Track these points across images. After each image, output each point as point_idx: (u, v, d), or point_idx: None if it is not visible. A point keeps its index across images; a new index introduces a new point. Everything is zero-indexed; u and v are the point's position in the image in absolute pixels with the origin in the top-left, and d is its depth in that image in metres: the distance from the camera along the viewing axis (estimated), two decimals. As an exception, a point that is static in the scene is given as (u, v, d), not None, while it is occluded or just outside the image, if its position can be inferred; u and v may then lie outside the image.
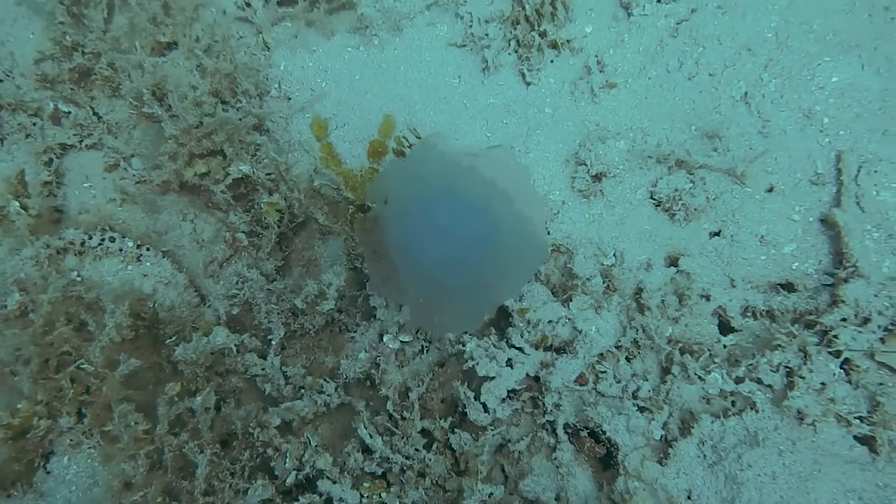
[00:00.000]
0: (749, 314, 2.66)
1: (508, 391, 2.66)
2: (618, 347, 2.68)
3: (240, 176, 3.03)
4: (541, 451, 2.67)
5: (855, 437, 2.32)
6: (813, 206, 2.65)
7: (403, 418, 2.74)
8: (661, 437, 2.53)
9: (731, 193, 2.73)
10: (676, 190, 2.77)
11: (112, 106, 3.10)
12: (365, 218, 2.59)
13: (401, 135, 2.68)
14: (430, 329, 2.85)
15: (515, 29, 3.11)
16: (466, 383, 2.69)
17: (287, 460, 2.60)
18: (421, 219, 2.33)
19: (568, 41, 3.09)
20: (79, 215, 3.09)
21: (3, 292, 2.68)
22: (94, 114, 3.08)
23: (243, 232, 3.07)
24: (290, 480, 2.62)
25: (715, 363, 2.56)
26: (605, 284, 2.78)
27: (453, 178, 2.33)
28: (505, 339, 2.74)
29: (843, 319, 2.39)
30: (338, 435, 2.88)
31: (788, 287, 2.63)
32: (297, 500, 2.54)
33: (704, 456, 2.42)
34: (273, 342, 2.88)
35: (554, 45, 3.10)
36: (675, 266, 2.76)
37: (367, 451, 2.69)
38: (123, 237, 2.98)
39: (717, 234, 2.76)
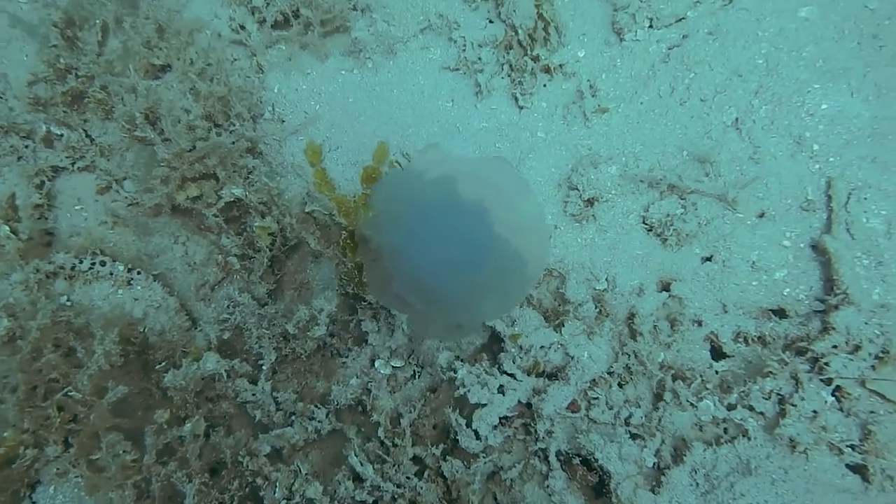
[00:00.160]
0: (741, 340, 2.66)
1: (500, 418, 2.65)
2: (610, 373, 2.67)
3: (232, 199, 3.02)
4: (533, 479, 2.65)
5: (847, 466, 2.32)
6: (804, 232, 2.66)
7: (395, 445, 2.72)
8: (654, 464, 2.51)
9: (723, 219, 2.74)
10: (668, 215, 2.78)
11: (105, 128, 3.09)
12: (363, 225, 2.57)
13: (394, 159, 2.69)
14: (427, 336, 2.83)
15: (508, 53, 3.13)
16: (458, 410, 2.68)
17: (276, 490, 2.57)
18: (417, 226, 2.34)
19: (560, 66, 3.11)
20: (70, 238, 3.07)
21: (-8, 317, 2.66)
22: (87, 136, 3.08)
23: (235, 255, 3.06)
24: (279, 509, 2.59)
25: (707, 389, 2.56)
26: (598, 309, 2.78)
27: (450, 186, 2.35)
28: (497, 365, 2.73)
29: (834, 347, 2.39)
30: (328, 462, 2.85)
31: (780, 313, 2.64)
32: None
33: (697, 484, 2.41)
34: (264, 367, 2.86)
35: (547, 70, 3.11)
36: (667, 291, 2.76)
37: (357, 479, 2.66)
38: (114, 261, 2.97)
39: (709, 259, 2.77)
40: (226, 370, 2.78)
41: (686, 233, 2.75)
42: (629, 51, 3.08)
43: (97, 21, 3.00)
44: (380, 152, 2.63)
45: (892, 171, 2.56)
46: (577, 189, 2.90)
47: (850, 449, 2.28)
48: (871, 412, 2.29)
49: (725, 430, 2.48)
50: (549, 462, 2.61)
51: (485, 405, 2.64)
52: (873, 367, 2.32)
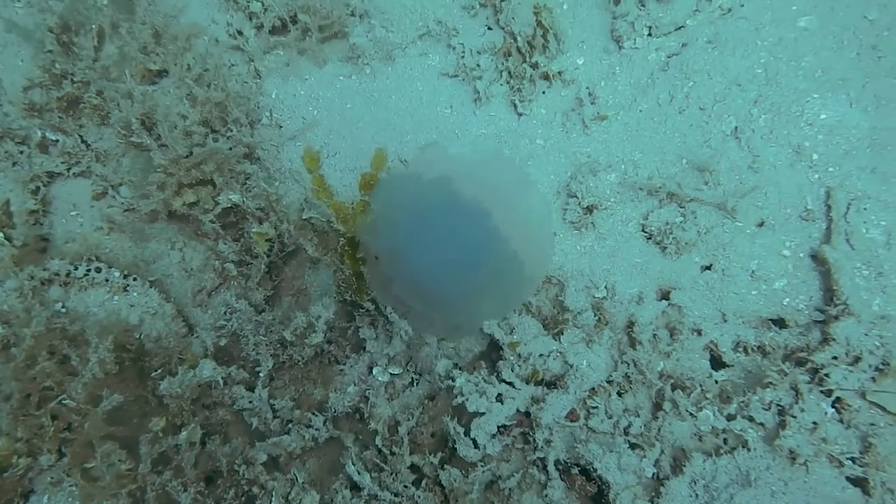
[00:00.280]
0: (740, 349, 2.66)
1: (499, 427, 2.64)
2: (609, 382, 2.66)
3: (229, 205, 3.00)
4: (531, 489, 2.64)
5: (847, 479, 2.31)
6: (803, 241, 2.65)
7: (392, 453, 2.70)
8: (653, 475, 2.50)
9: (722, 227, 2.74)
10: (667, 223, 2.77)
11: (101, 134, 3.07)
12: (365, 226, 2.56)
13: (391, 166, 2.68)
14: (429, 333, 2.82)
15: (507, 60, 3.12)
16: (456, 418, 2.66)
17: (273, 499, 2.55)
18: (415, 229, 2.33)
19: (559, 73, 3.10)
20: (65, 244, 3.05)
21: (-15, 324, 2.63)
22: (83, 142, 3.06)
23: (232, 261, 3.04)
24: (275, 519, 2.57)
25: (707, 399, 2.55)
26: (597, 318, 2.77)
27: (449, 187, 2.34)
28: (495, 374, 2.72)
29: (835, 358, 2.39)
30: (325, 470, 2.83)
31: (779, 323, 2.63)
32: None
33: (696, 495, 2.39)
34: (261, 374, 2.84)
35: (546, 77, 3.11)
36: (666, 299, 2.75)
37: (355, 487, 2.64)
38: (110, 267, 2.94)
39: (709, 268, 2.76)
40: (222, 377, 2.76)
41: (685, 241, 2.74)
42: (628, 59, 3.08)
43: (93, 26, 2.98)
44: (378, 159, 2.63)
45: (891, 182, 2.56)
46: (577, 196, 2.89)
47: (850, 461, 2.27)
48: (872, 424, 2.29)
49: (725, 440, 2.47)
50: (547, 471, 2.59)
51: (483, 414, 2.63)
52: (873, 379, 2.31)
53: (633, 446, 2.54)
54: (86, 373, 2.52)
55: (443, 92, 3.23)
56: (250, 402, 2.80)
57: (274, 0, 3.16)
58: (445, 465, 2.65)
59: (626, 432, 2.56)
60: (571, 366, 2.66)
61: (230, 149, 2.97)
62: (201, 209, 3.00)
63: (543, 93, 3.14)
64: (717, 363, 2.68)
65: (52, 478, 2.53)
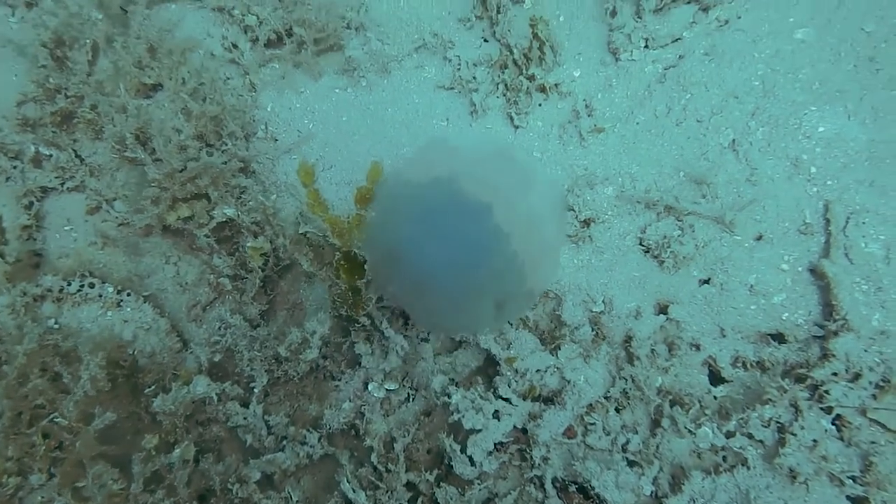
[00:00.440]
0: (739, 365, 2.63)
1: (495, 444, 2.61)
2: (607, 398, 2.63)
3: (224, 219, 2.99)
4: (529, 507, 2.61)
5: (848, 498, 2.27)
6: (802, 255, 2.63)
7: (388, 470, 2.68)
8: (652, 493, 2.47)
9: (720, 241, 2.71)
10: (665, 237, 2.75)
11: (95, 148, 3.05)
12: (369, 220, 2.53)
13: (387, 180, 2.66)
14: (433, 330, 2.79)
15: (503, 73, 3.10)
16: (452, 435, 2.63)
17: (267, 518, 2.52)
18: (416, 229, 2.31)
19: (556, 85, 3.08)
20: (58, 259, 3.03)
21: (-23, 342, 2.61)
22: (77, 156, 3.04)
23: (227, 276, 3.02)
24: (269, 539, 2.54)
25: (706, 415, 2.52)
26: (594, 332, 2.75)
27: (451, 185, 2.32)
28: (492, 389, 2.69)
29: (834, 374, 2.36)
30: (321, 487, 2.80)
31: (778, 338, 2.60)
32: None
33: (696, 514, 2.37)
34: (256, 390, 2.81)
35: (542, 89, 3.09)
36: (664, 314, 2.73)
37: (350, 506, 2.62)
38: (103, 282, 2.92)
39: (707, 282, 2.73)
40: (216, 393, 2.74)
41: (683, 255, 2.72)
42: (625, 71, 3.06)
43: (87, 41, 2.97)
44: (373, 172, 2.61)
45: (890, 196, 2.54)
46: (574, 210, 2.87)
47: (851, 480, 2.24)
48: (873, 442, 2.26)
49: (724, 458, 2.44)
50: (544, 489, 2.57)
51: (479, 431, 2.60)
52: (874, 396, 2.29)
53: (631, 464, 2.51)
54: (77, 390, 2.50)
55: (439, 104, 3.21)
56: (245, 418, 2.78)
57: (269, 13, 3.15)
58: (441, 483, 2.62)
59: (624, 449, 2.53)
60: (569, 381, 2.63)
61: (225, 163, 2.96)
62: (196, 224, 2.98)
63: (540, 105, 3.12)
64: (715, 378, 2.65)
65: (42, 497, 2.50)
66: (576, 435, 2.57)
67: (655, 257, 2.79)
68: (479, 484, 2.59)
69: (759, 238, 2.69)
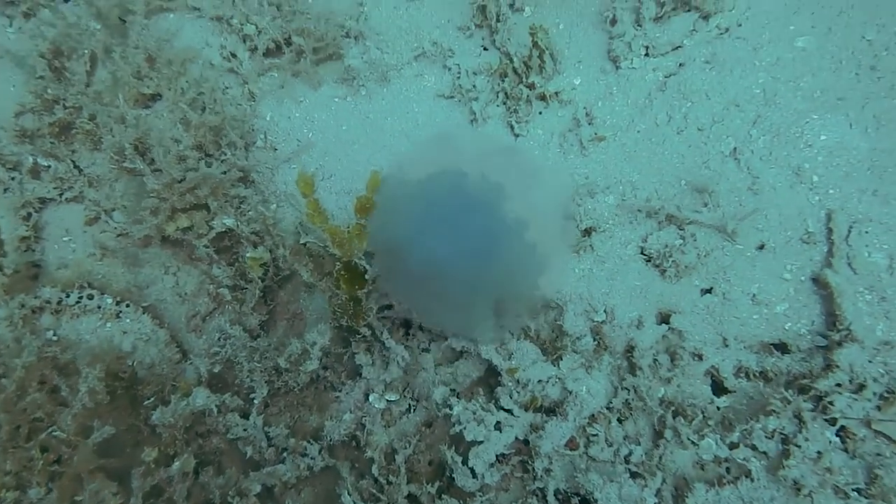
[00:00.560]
0: (742, 375, 2.61)
1: (497, 455, 2.59)
2: (609, 409, 2.62)
3: (223, 230, 2.97)
4: (531, 519, 2.59)
5: (853, 510, 2.26)
6: (804, 265, 2.61)
7: (389, 483, 2.66)
8: (655, 505, 2.45)
9: (722, 250, 2.70)
10: (667, 246, 2.74)
11: (93, 159, 3.04)
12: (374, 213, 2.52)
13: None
14: (437, 328, 2.78)
15: (503, 81, 3.10)
16: (454, 447, 2.61)
17: (267, 532, 2.50)
18: (422, 222, 2.30)
19: (556, 93, 3.07)
20: (57, 270, 3.01)
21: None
22: (75, 167, 3.03)
23: (227, 286, 3.01)
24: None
25: (709, 426, 2.50)
26: (596, 342, 2.73)
27: (458, 179, 2.33)
28: (493, 400, 2.67)
29: (838, 385, 2.34)
30: (321, 500, 2.78)
31: (782, 348, 2.59)
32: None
33: (699, 527, 2.35)
34: (256, 401, 2.79)
35: (542, 98, 3.08)
36: (666, 323, 2.71)
37: (351, 519, 2.60)
38: (102, 294, 2.91)
39: (709, 291, 2.72)
40: (216, 405, 2.72)
41: (685, 264, 2.70)
42: (625, 79, 3.05)
43: (86, 51, 2.96)
44: (373, 182, 2.59)
45: (893, 205, 2.53)
46: (575, 219, 2.86)
47: (855, 493, 2.22)
48: (878, 454, 2.24)
49: (728, 469, 2.42)
50: (547, 501, 2.55)
51: (481, 442, 2.58)
52: (878, 408, 2.27)
53: (634, 475, 2.49)
54: (76, 403, 2.48)
55: (439, 113, 3.20)
56: (245, 429, 2.76)
57: (268, 22, 3.14)
58: (443, 495, 2.60)
59: (626, 461, 2.51)
60: (571, 392, 2.62)
61: (224, 173, 2.94)
62: (195, 234, 2.96)
63: (540, 113, 3.11)
64: (718, 389, 2.63)
65: (41, 512, 2.48)
66: (578, 446, 2.56)
67: (657, 266, 2.78)
68: (481, 496, 2.57)
69: (762, 247, 2.68)
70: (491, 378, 2.81)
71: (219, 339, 2.91)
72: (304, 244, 2.93)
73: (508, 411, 2.62)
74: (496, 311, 2.64)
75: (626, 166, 2.94)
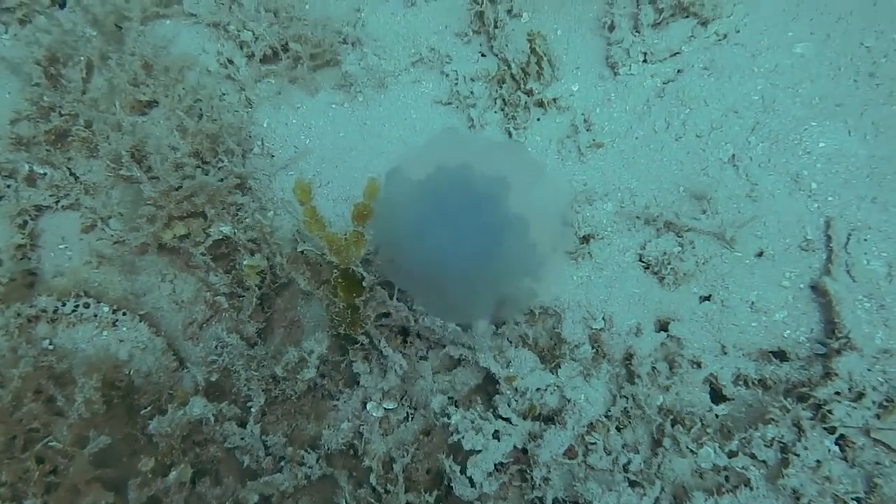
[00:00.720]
0: (741, 382, 2.60)
1: (495, 464, 2.58)
2: (608, 417, 2.61)
3: (220, 237, 2.96)
4: (530, 528, 2.58)
5: (853, 519, 2.25)
6: (803, 272, 2.61)
7: (387, 492, 2.64)
8: (654, 514, 2.44)
9: (721, 258, 2.69)
10: (665, 253, 2.73)
11: (90, 166, 3.03)
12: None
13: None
14: (440, 317, 2.78)
15: (501, 87, 3.09)
16: (452, 455, 2.60)
17: (265, 542, 2.49)
18: (431, 206, 2.34)
19: (554, 100, 3.07)
20: (53, 278, 3.00)
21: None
22: (71, 174, 3.01)
23: (224, 294, 2.99)
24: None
25: (707, 434, 2.49)
26: (594, 350, 2.72)
27: (464, 173, 2.34)
28: (491, 409, 2.66)
29: (837, 393, 2.34)
30: (319, 509, 2.77)
31: (780, 355, 2.58)
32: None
33: (698, 536, 2.34)
34: (253, 410, 2.78)
35: (540, 104, 3.08)
36: (664, 331, 2.71)
37: (349, 529, 2.58)
38: (98, 302, 2.89)
39: (708, 298, 2.72)
40: (213, 414, 2.70)
41: (684, 272, 2.70)
42: (624, 85, 3.05)
43: (81, 58, 2.95)
44: (370, 189, 2.58)
45: (891, 212, 2.52)
46: (573, 226, 2.85)
47: (855, 502, 2.21)
48: (877, 463, 2.23)
49: (727, 478, 2.41)
50: (546, 510, 2.54)
51: (479, 451, 2.57)
52: (878, 416, 2.26)
53: (632, 484, 2.48)
54: (72, 413, 2.46)
55: (436, 119, 3.19)
56: (242, 438, 2.74)
57: (265, 29, 3.13)
58: (441, 504, 2.59)
59: (625, 469, 2.50)
60: (569, 400, 2.60)
61: (221, 180, 2.93)
62: (192, 242, 2.95)
63: (538, 120, 3.11)
64: (717, 396, 2.63)
65: (37, 523, 2.47)
66: (576, 455, 2.54)
67: (655, 274, 2.77)
68: (479, 505, 2.56)
69: (760, 254, 2.67)
70: (489, 386, 2.80)
71: (216, 347, 2.90)
72: (302, 252, 2.92)
73: (507, 420, 2.61)
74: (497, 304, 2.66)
75: (624, 173, 2.93)
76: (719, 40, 2.95)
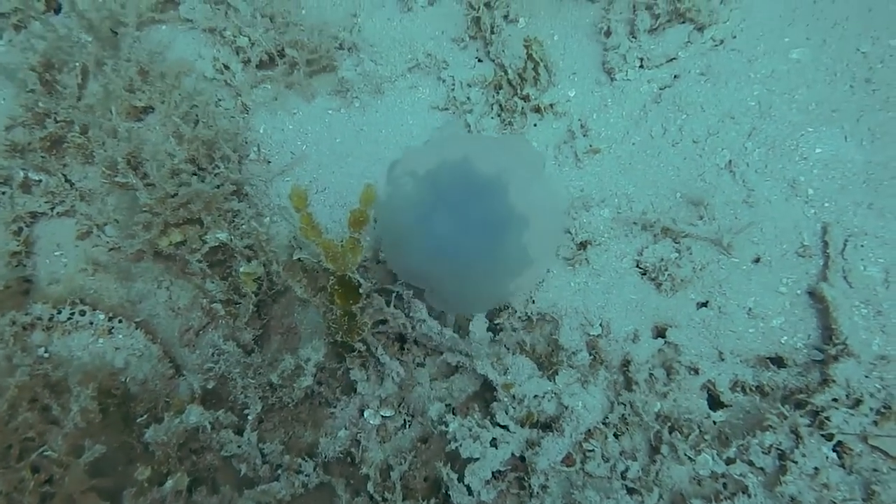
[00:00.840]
0: (738, 389, 2.60)
1: (493, 472, 2.57)
2: (605, 424, 2.60)
3: (217, 244, 2.95)
4: (528, 536, 2.57)
5: (850, 527, 2.25)
6: (800, 278, 2.61)
7: (385, 499, 2.63)
8: (652, 521, 2.44)
9: (718, 264, 2.69)
10: (662, 259, 2.73)
11: (85, 172, 3.01)
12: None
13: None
14: (445, 309, 2.77)
15: (498, 93, 3.09)
16: (450, 463, 2.59)
17: (262, 552, 2.48)
18: (431, 206, 2.35)
19: (551, 105, 3.06)
20: (48, 286, 2.98)
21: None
22: (67, 181, 3.00)
23: (220, 301, 2.98)
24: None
25: (705, 441, 2.49)
26: (592, 356, 2.72)
27: (467, 165, 2.34)
28: (489, 416, 2.66)
29: (835, 400, 2.34)
30: (316, 517, 2.76)
31: (778, 362, 2.58)
32: None
33: (696, 544, 2.33)
34: (250, 417, 2.77)
35: (537, 110, 3.07)
36: (662, 337, 2.70)
37: (346, 537, 2.57)
38: (94, 309, 2.88)
39: (705, 304, 2.71)
40: (210, 422, 2.69)
41: (681, 278, 2.69)
42: (620, 90, 3.05)
43: (77, 64, 2.93)
44: (367, 195, 2.57)
45: (888, 218, 2.52)
46: (570, 232, 2.85)
47: (853, 510, 2.21)
48: (875, 470, 2.23)
49: (725, 485, 2.41)
50: (543, 518, 2.53)
51: (477, 459, 2.56)
52: (875, 423, 2.26)
53: (630, 491, 2.48)
54: (67, 423, 2.45)
55: (433, 125, 3.19)
56: (239, 446, 2.73)
57: (261, 34, 3.12)
58: (439, 512, 2.58)
59: (623, 476, 2.50)
60: (567, 407, 2.60)
61: (218, 187, 2.92)
62: (188, 249, 2.94)
63: (535, 125, 3.10)
64: (715, 403, 2.62)
65: (32, 533, 2.45)
66: (574, 463, 2.54)
67: (653, 280, 2.77)
68: (477, 513, 2.55)
69: (757, 260, 2.67)
70: (486, 393, 2.80)
71: (212, 354, 2.89)
72: (299, 259, 2.91)
73: (504, 427, 2.61)
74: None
75: (621, 179, 2.93)
76: (716, 46, 2.95)
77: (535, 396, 2.65)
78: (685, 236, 2.73)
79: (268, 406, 2.84)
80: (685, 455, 2.46)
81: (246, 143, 3.18)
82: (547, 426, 2.64)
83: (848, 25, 2.82)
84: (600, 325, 2.77)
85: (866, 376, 2.33)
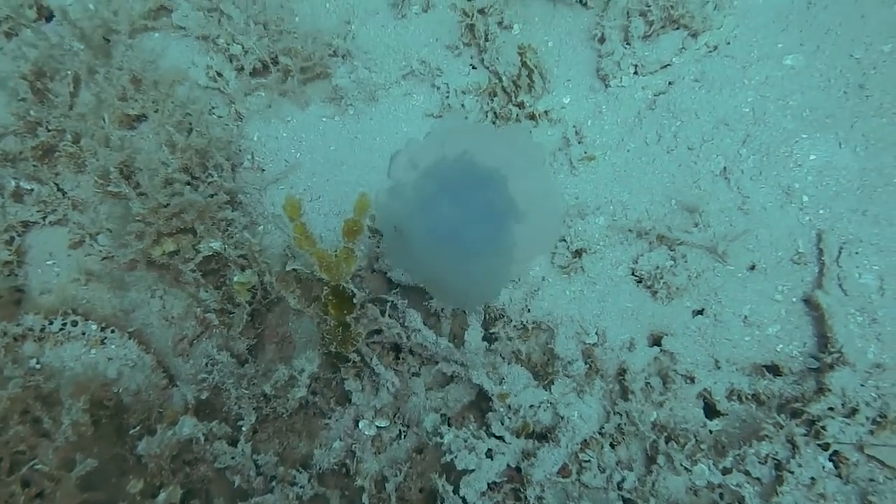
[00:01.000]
0: (735, 397, 2.59)
1: (489, 484, 2.56)
2: (601, 433, 2.59)
3: (210, 253, 2.93)
4: (524, 547, 2.55)
5: (847, 537, 2.24)
6: (796, 285, 2.60)
7: (380, 511, 2.62)
8: (648, 532, 2.42)
9: (713, 271, 2.68)
10: (658, 267, 2.72)
11: (77, 181, 2.99)
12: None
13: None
14: (448, 303, 2.75)
15: (492, 100, 3.08)
16: (445, 475, 2.58)
17: (255, 565, 2.46)
18: (438, 190, 2.28)
19: (546, 112, 3.06)
20: (41, 295, 2.96)
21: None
22: (59, 190, 2.98)
23: (214, 310, 2.96)
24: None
25: (701, 450, 2.48)
26: (588, 365, 2.71)
27: (468, 157, 2.32)
28: (484, 427, 2.64)
29: (831, 409, 2.33)
30: (311, 529, 2.74)
31: (774, 370, 2.57)
32: None
33: (693, 554, 2.32)
34: (244, 428, 2.75)
35: (531, 117, 3.06)
36: (658, 346, 2.69)
37: (341, 550, 2.55)
38: (87, 320, 2.86)
39: (700, 312, 2.70)
40: (203, 433, 2.67)
41: (676, 286, 2.68)
42: (615, 97, 3.04)
43: (69, 72, 2.92)
44: (361, 204, 2.56)
45: (882, 225, 2.52)
46: (565, 240, 2.84)
47: (850, 520, 2.20)
48: (871, 480, 2.22)
49: (721, 495, 2.40)
50: (540, 529, 2.51)
51: (472, 471, 2.55)
52: (871, 432, 2.25)
53: (627, 502, 2.46)
54: (59, 436, 2.43)
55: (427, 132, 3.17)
56: (233, 457, 2.71)
57: (255, 42, 3.11)
58: (435, 524, 2.57)
59: (619, 487, 2.48)
60: (563, 417, 2.59)
61: (211, 196, 2.91)
62: (182, 258, 2.92)
63: (530, 132, 3.09)
64: (711, 412, 2.61)
65: (23, 548, 2.43)
66: (570, 474, 2.53)
67: (648, 288, 2.76)
68: (472, 524, 2.53)
69: (753, 268, 2.66)
70: (482, 402, 2.78)
71: (206, 364, 2.86)
72: (293, 270, 2.89)
73: (500, 438, 2.59)
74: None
75: (616, 186, 2.92)
76: (710, 52, 2.95)
77: (531, 406, 2.63)
78: (680, 244, 2.72)
79: (262, 417, 2.82)
80: (681, 465, 2.45)
81: (240, 151, 3.16)
82: (543, 436, 2.62)
83: (841, 31, 2.81)
84: (596, 333, 2.75)
85: (862, 385, 2.32)
